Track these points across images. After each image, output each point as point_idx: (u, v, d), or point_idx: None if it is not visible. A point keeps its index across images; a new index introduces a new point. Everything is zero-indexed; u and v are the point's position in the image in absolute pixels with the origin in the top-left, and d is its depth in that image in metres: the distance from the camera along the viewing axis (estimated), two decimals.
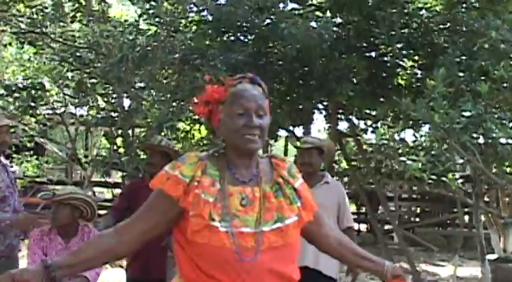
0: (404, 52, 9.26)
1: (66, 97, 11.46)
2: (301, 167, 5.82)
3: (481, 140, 7.62)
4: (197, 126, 11.77)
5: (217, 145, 2.87)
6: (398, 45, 8.68)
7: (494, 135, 7.22)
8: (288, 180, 2.84)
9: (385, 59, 9.48)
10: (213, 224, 2.60)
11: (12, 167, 6.11)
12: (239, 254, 2.59)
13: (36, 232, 5.30)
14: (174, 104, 9.03)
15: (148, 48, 8.93)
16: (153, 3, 9.27)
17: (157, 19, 9.10)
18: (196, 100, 2.88)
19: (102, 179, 14.85)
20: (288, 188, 2.81)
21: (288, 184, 2.83)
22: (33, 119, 11.69)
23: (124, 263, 6.70)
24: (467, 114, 6.54)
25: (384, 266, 3.04)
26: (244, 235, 2.63)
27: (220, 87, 2.81)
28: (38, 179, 18.57)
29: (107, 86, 10.09)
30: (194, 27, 9.87)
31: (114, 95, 9.82)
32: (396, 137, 10.85)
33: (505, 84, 7.12)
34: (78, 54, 10.19)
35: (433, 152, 7.82)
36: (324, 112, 12.16)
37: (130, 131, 9.30)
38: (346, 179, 19.78)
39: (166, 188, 2.69)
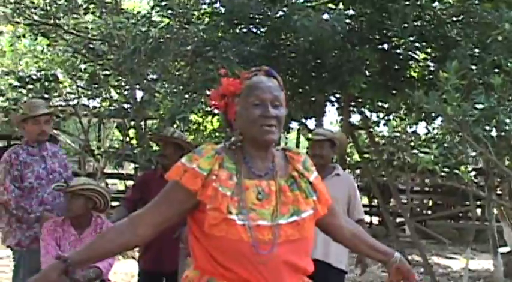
0: (417, 44, 9.24)
1: (79, 89, 11.47)
2: (312, 158, 5.84)
3: (494, 133, 7.60)
4: (209, 118, 11.79)
5: (231, 138, 2.87)
6: (411, 38, 8.64)
7: (507, 127, 7.20)
8: (303, 174, 2.87)
9: (398, 51, 9.45)
10: (231, 217, 2.63)
11: (63, 156, 6.11)
12: (256, 247, 2.62)
13: (49, 223, 5.33)
14: (186, 96, 9.03)
15: (161, 40, 8.94)
16: None
17: (170, 11, 9.10)
18: (211, 94, 2.89)
19: (115, 171, 14.91)
20: (303, 182, 2.84)
21: (303, 177, 2.86)
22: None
23: (136, 254, 6.73)
24: (480, 106, 6.52)
25: (392, 257, 3.08)
26: (261, 228, 2.65)
27: (236, 80, 2.82)
28: None
29: (120, 77, 10.10)
30: (207, 19, 9.87)
31: (127, 87, 9.81)
32: (408, 129, 10.84)
33: None
34: (91, 46, 10.20)
35: (445, 145, 7.79)
36: (336, 104, 12.17)
37: (142, 123, 9.31)
38: (358, 172, 19.80)
39: (183, 180, 2.70)
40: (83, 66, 11.09)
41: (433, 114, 9.14)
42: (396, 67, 9.82)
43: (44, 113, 5.97)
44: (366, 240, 3.17)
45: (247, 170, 2.76)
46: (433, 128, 10.94)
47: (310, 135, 6.16)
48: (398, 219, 17.60)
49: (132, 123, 9.50)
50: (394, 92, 10.04)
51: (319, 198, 2.89)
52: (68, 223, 5.28)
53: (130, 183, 19.96)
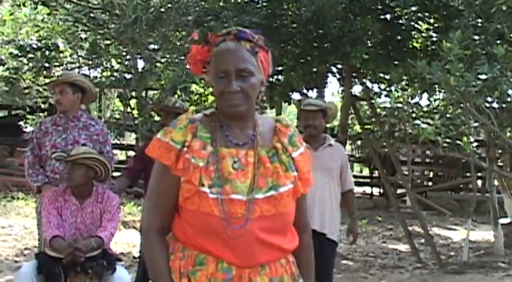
0: (419, 15, 9.21)
1: (80, 58, 11.44)
2: (305, 129, 5.86)
3: (496, 104, 7.59)
4: (211, 88, 11.76)
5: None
6: (414, 8, 8.62)
7: (509, 99, 7.19)
8: (287, 148, 2.68)
9: (400, 21, 9.43)
10: (203, 189, 2.51)
11: (98, 131, 6.03)
12: (227, 222, 2.50)
13: (50, 192, 5.32)
14: (187, 66, 9.01)
15: (162, 9, 8.91)
16: None
17: None
18: (188, 59, 2.74)
19: (116, 141, 14.91)
20: (285, 156, 2.66)
21: (286, 152, 2.67)
22: (47, 80, 11.69)
23: (138, 224, 6.74)
24: (482, 77, 6.49)
25: None
26: (235, 202, 2.52)
27: (204, 47, 2.65)
28: None
29: (121, 47, 10.07)
30: None
31: (128, 57, 9.79)
32: (410, 100, 10.82)
33: None
34: (92, 15, 10.16)
35: (447, 116, 7.78)
36: (337, 75, 12.14)
37: (144, 93, 9.31)
38: (359, 143, 19.80)
39: (159, 156, 2.60)
40: (83, 36, 11.07)
41: (436, 85, 9.10)
42: (398, 38, 9.79)
43: (55, 82, 5.96)
44: (303, 263, 2.85)
45: (224, 138, 2.61)
46: (435, 99, 10.92)
47: (301, 106, 6.11)
48: (399, 191, 17.65)
49: (133, 93, 9.49)
50: (396, 62, 10.01)
51: (300, 177, 2.67)
52: (69, 192, 5.27)
53: (131, 153, 19.99)
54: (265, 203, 2.55)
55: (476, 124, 7.87)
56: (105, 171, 5.33)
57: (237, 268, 2.54)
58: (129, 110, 10.01)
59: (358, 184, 21.30)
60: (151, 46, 9.67)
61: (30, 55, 10.99)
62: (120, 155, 22.81)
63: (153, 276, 2.67)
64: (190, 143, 2.56)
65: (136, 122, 9.24)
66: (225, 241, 2.51)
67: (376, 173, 20.31)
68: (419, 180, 21.30)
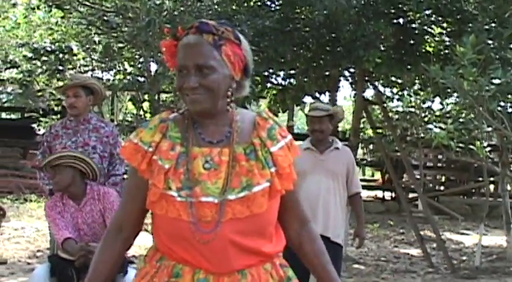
0: (432, 19, 9.19)
1: (93, 61, 11.49)
2: (311, 134, 5.87)
3: (510, 109, 7.57)
4: None
5: None
6: (427, 12, 8.60)
7: None
8: (265, 143, 2.49)
9: (413, 25, 9.41)
10: (169, 193, 2.38)
11: (108, 133, 6.02)
12: (196, 226, 2.36)
13: (49, 202, 5.34)
14: None
15: (176, 12, 8.91)
16: None
17: None
18: (163, 52, 2.60)
19: None
20: (263, 151, 2.48)
21: (265, 147, 2.48)
22: (60, 83, 11.74)
23: (149, 227, 6.73)
24: (496, 81, 6.48)
25: None
26: (205, 205, 2.37)
27: (172, 41, 2.53)
28: None
29: (134, 50, 10.09)
30: None
31: (141, 60, 9.81)
32: (423, 104, 10.80)
33: None
34: (105, 18, 10.18)
35: (460, 120, 7.77)
36: (350, 79, 12.13)
37: (156, 96, 9.31)
38: (371, 147, 19.77)
39: (127, 157, 2.50)
40: (97, 39, 11.09)
41: (448, 90, 9.08)
42: (411, 42, 9.77)
43: (68, 85, 5.97)
44: (313, 255, 2.69)
45: (197, 137, 2.47)
46: (448, 104, 10.89)
47: (307, 111, 6.11)
48: (411, 195, 17.61)
49: (146, 96, 9.50)
50: (409, 67, 10.00)
51: (279, 173, 2.48)
52: (66, 197, 5.27)
53: None
54: (238, 204, 2.39)
55: (489, 129, 7.86)
56: (89, 168, 5.31)
57: (213, 277, 2.41)
58: (141, 113, 10.03)
59: (369, 188, 21.35)
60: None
61: (44, 58, 11.05)
62: None
63: (87, 277, 2.61)
64: (158, 144, 2.45)
65: None
66: (196, 247, 2.39)
67: (387, 177, 20.27)
68: (431, 185, 21.24)
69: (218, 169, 2.42)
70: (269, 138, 2.50)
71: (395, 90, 12.47)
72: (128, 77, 10.16)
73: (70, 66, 11.42)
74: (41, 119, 14.28)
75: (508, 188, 11.96)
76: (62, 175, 5.23)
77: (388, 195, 20.85)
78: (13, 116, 23.32)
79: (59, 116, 13.36)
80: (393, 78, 11.52)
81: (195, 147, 2.44)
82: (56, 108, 13.96)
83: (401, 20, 9.69)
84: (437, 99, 10.89)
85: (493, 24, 8.15)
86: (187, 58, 2.42)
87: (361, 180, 19.88)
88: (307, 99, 12.22)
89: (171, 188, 2.38)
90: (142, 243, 10.19)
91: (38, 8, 12.22)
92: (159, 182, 2.39)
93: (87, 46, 11.17)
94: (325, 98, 12.05)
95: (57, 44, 11.74)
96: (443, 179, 21.79)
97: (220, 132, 2.48)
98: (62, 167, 5.24)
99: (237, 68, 2.48)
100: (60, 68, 10.75)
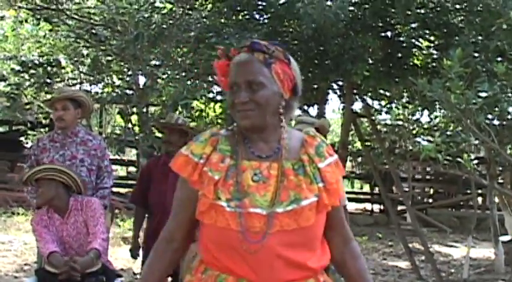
0: (420, 32, 9.22)
1: (82, 74, 11.48)
2: None
3: (497, 121, 7.59)
4: (212, 104, 11.77)
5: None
6: (414, 25, 8.62)
7: (510, 116, 7.20)
8: (313, 159, 2.57)
9: (401, 38, 9.43)
10: (219, 203, 2.44)
11: (96, 146, 5.99)
12: (244, 236, 2.40)
13: (35, 218, 5.33)
14: (189, 82, 9.04)
15: (164, 26, 8.93)
16: None
17: None
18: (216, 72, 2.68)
19: (117, 157, 14.90)
20: (311, 167, 2.55)
21: (313, 163, 2.56)
22: (48, 96, 11.72)
23: (139, 240, 6.73)
24: (483, 94, 6.51)
25: None
26: (253, 216, 2.43)
27: (224, 61, 2.61)
28: None
29: (122, 63, 10.10)
30: (210, 6, 9.86)
31: (129, 73, 9.83)
32: (411, 117, 10.83)
33: None
34: (93, 31, 10.20)
35: (448, 133, 7.80)
36: (338, 92, 12.15)
37: (145, 109, 9.31)
38: (360, 159, 19.79)
39: (178, 169, 2.56)
40: (85, 52, 11.10)
41: (436, 103, 9.11)
42: (399, 55, 9.80)
43: (56, 98, 5.97)
44: (355, 273, 2.74)
45: (247, 151, 2.54)
46: (436, 116, 10.93)
47: (293, 123, 6.11)
48: (399, 207, 17.63)
49: (134, 109, 9.51)
50: (396, 80, 10.03)
51: (327, 188, 2.54)
52: (51, 210, 5.27)
53: (131, 169, 19.97)
54: (286, 217, 2.44)
55: (477, 141, 7.89)
56: (71, 181, 5.29)
57: None
58: (130, 125, 10.02)
59: (357, 201, 21.38)
60: (153, 62, 9.68)
61: (32, 71, 11.05)
62: (121, 171, 22.80)
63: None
64: (209, 156, 2.53)
65: (137, 137, 9.24)
66: (243, 257, 2.42)
67: (376, 190, 20.29)
68: (419, 197, 21.28)
69: (267, 182, 2.49)
70: (317, 155, 2.58)
71: (383, 103, 12.49)
72: (116, 90, 10.17)
73: (58, 79, 11.43)
74: (29, 132, 14.26)
75: (496, 200, 11.98)
76: (45, 188, 5.22)
77: (376, 207, 20.87)
78: (1, 129, 23.23)
79: (47, 129, 13.32)
80: (381, 91, 11.53)
81: (245, 161, 2.52)
82: (44, 121, 13.93)
83: (389, 34, 9.73)
84: (426, 112, 10.93)
85: (480, 37, 8.18)
86: (239, 75, 2.50)
87: (349, 192, 19.94)
88: (296, 112, 12.25)
89: (220, 198, 2.45)
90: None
91: (26, 21, 12.20)
92: (209, 192, 2.46)
93: (76, 59, 11.18)
94: (313, 110, 12.08)
95: (45, 57, 11.75)
96: (431, 191, 21.82)
97: (270, 148, 2.56)
98: (44, 180, 5.23)
99: (286, 86, 2.56)
100: (48, 81, 10.75)
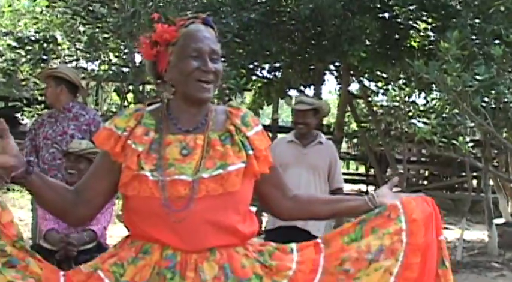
0: (417, 14, 9.21)
1: (78, 51, 11.42)
2: (296, 127, 5.87)
3: (493, 104, 7.60)
4: None
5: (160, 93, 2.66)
6: (412, 7, 8.61)
7: (506, 99, 7.20)
8: (240, 129, 2.57)
9: (398, 20, 9.43)
10: (142, 173, 2.41)
11: (88, 121, 6.00)
12: (168, 204, 2.38)
13: None
14: None
15: (161, 4, 8.88)
16: None
17: None
18: (141, 40, 2.65)
19: None
20: (239, 136, 2.55)
21: (240, 132, 2.56)
22: None
23: None
24: (479, 77, 6.50)
25: (365, 199, 2.82)
26: (178, 183, 2.41)
27: (171, 26, 2.57)
28: None
29: (119, 41, 10.05)
30: None
31: (126, 51, 9.77)
32: (407, 99, 10.83)
33: None
34: (90, 8, 10.12)
35: (444, 115, 7.80)
36: (335, 73, 12.15)
37: (141, 87, 9.30)
38: (355, 141, 19.81)
39: (100, 143, 2.54)
40: (82, 29, 11.03)
41: (433, 85, 9.12)
42: (396, 36, 9.80)
43: (39, 75, 6.08)
44: (324, 199, 2.91)
45: (172, 126, 2.52)
46: (432, 99, 10.93)
47: (293, 104, 6.09)
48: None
49: (131, 87, 9.48)
50: (393, 61, 10.02)
51: (256, 155, 2.55)
52: None
53: None
54: (212, 182, 2.42)
55: (473, 124, 7.90)
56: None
57: (182, 254, 2.41)
58: (126, 103, 9.99)
59: (353, 182, 21.40)
60: None
61: (28, 47, 10.98)
62: None
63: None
64: (133, 129, 2.51)
65: None
66: (168, 225, 2.40)
67: (371, 171, 20.32)
68: (414, 179, 21.31)
69: (192, 152, 2.48)
70: (243, 125, 2.59)
71: (380, 84, 12.49)
72: (113, 68, 10.12)
73: (54, 56, 11.35)
74: (25, 108, 14.20)
75: (491, 183, 12.01)
76: (81, 166, 5.19)
77: (371, 189, 20.90)
78: None
79: (42, 105, 13.28)
80: (378, 73, 11.54)
81: (169, 135, 2.50)
82: (39, 98, 13.88)
83: (386, 15, 9.72)
84: (422, 94, 10.92)
85: (477, 20, 8.17)
86: (204, 43, 2.52)
87: (345, 174, 19.96)
88: (292, 93, 12.24)
89: (144, 168, 2.42)
90: (125, 234, 10.19)
91: None
92: (132, 163, 2.44)
93: (72, 36, 11.11)
94: (309, 91, 12.07)
95: (41, 33, 11.67)
96: (426, 173, 21.84)
97: (195, 121, 2.56)
98: (83, 158, 5.21)
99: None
100: (44, 57, 10.68)
